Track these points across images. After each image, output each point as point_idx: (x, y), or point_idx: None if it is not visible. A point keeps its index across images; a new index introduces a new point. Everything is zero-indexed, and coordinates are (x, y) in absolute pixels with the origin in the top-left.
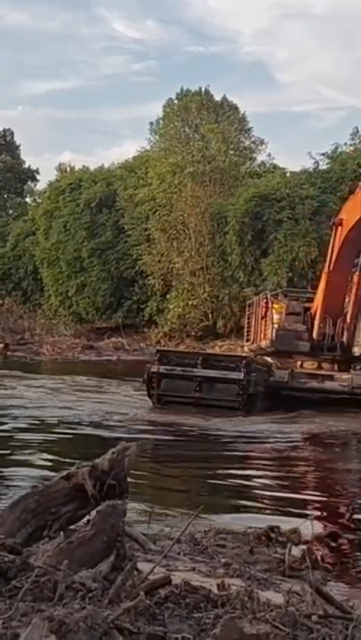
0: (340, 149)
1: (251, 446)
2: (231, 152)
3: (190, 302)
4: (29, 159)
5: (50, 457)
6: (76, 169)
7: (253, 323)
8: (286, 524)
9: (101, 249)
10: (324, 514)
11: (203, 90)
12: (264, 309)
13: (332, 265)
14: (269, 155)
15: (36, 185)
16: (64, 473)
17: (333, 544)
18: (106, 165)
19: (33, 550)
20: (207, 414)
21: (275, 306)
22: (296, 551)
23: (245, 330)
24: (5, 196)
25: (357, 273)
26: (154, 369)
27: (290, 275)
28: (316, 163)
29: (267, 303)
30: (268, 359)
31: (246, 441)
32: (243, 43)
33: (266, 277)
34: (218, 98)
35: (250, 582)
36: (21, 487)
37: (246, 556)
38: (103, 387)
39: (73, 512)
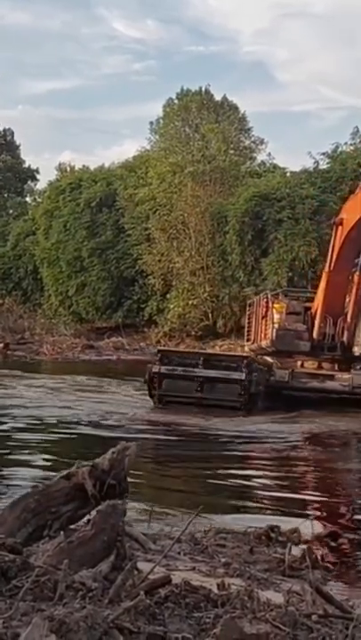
0: (340, 149)
1: (251, 446)
2: (231, 152)
3: (190, 302)
4: (29, 159)
5: (50, 457)
6: (77, 168)
7: (254, 322)
8: (286, 523)
9: (101, 248)
10: (324, 514)
11: (203, 89)
12: (264, 309)
13: (332, 264)
14: (269, 154)
15: (36, 184)
16: (64, 472)
17: (333, 544)
18: (106, 165)
19: (33, 550)
20: (207, 414)
21: (275, 305)
22: (296, 551)
23: (246, 329)
24: (5, 195)
25: (358, 273)
26: (155, 369)
27: (290, 274)
28: (317, 162)
29: (267, 303)
30: (269, 359)
31: (247, 441)
32: (243, 42)
33: (266, 277)
34: (218, 97)
35: (250, 582)
36: (21, 487)
37: (246, 556)
38: (103, 386)
39: (73, 512)
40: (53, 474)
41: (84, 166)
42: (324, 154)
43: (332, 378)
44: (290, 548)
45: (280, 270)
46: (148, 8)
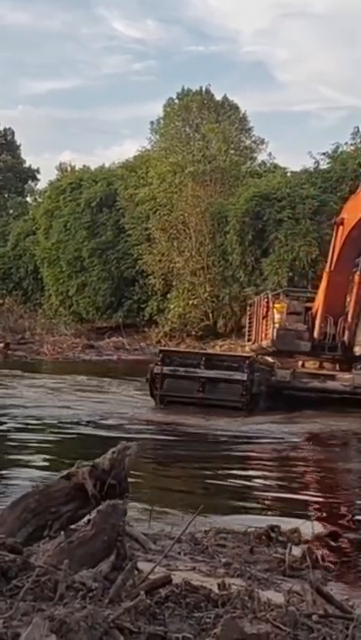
0: (340, 149)
1: (251, 446)
2: (232, 151)
3: (191, 302)
4: (30, 158)
5: (50, 457)
6: (77, 168)
7: (254, 322)
8: (287, 523)
9: (102, 248)
10: (325, 514)
11: (203, 89)
12: (265, 309)
13: (333, 264)
14: (270, 154)
15: (36, 184)
16: (64, 472)
17: (334, 544)
18: (106, 165)
19: (33, 550)
20: (208, 414)
21: (276, 305)
22: (296, 551)
23: (246, 329)
24: (6, 195)
25: (358, 273)
26: (157, 370)
27: (290, 274)
28: (317, 162)
29: (268, 303)
30: (269, 359)
31: (247, 441)
32: (243, 42)
33: (266, 277)
34: (218, 97)
35: (250, 582)
36: (21, 487)
37: (247, 556)
38: (104, 386)
39: (73, 511)
40: (53, 474)
41: (84, 166)
42: (324, 154)
43: (333, 378)
44: (290, 547)
45: (280, 270)
46: (148, 8)
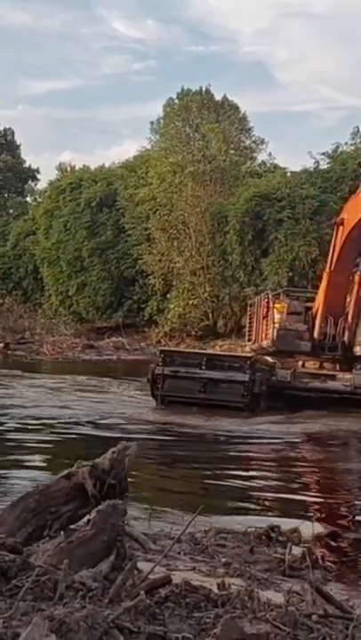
0: (340, 149)
1: (251, 446)
2: (232, 151)
3: (191, 302)
4: (30, 158)
5: (49, 457)
6: (77, 168)
7: (255, 322)
8: (287, 524)
9: (102, 248)
10: (325, 514)
11: (203, 89)
12: (265, 309)
13: (333, 265)
14: (270, 154)
15: (36, 184)
16: (64, 472)
17: (333, 544)
18: (106, 165)
19: (33, 550)
20: (208, 414)
21: (276, 305)
22: (296, 551)
23: (247, 329)
24: (6, 195)
25: (359, 273)
26: (158, 371)
27: (290, 274)
28: (317, 162)
29: (268, 303)
30: (269, 359)
31: (247, 441)
32: (243, 42)
33: (266, 277)
34: (218, 97)
35: (250, 582)
36: (21, 487)
37: (247, 556)
38: (104, 386)
39: (73, 511)
40: (53, 474)
41: (84, 166)
42: (324, 154)
43: (333, 378)
44: (290, 547)
45: (280, 270)
46: (148, 8)
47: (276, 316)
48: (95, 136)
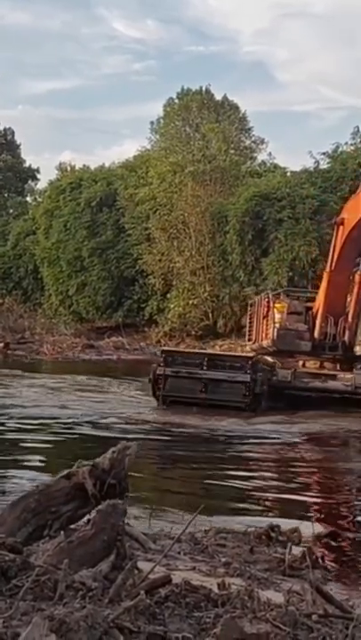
0: (340, 149)
1: (251, 446)
2: (232, 151)
3: (191, 301)
4: (30, 158)
5: (49, 457)
6: (77, 168)
7: (255, 322)
8: (287, 524)
9: (102, 248)
10: (325, 514)
11: (203, 89)
12: (266, 309)
13: (333, 264)
14: (270, 154)
15: (36, 184)
16: (64, 472)
17: (333, 544)
18: (106, 165)
19: (33, 549)
20: (208, 414)
21: (276, 305)
22: (296, 551)
23: (247, 329)
24: (6, 195)
25: (359, 272)
26: (159, 371)
27: (290, 274)
28: (317, 162)
29: (268, 302)
30: (270, 358)
31: (247, 441)
32: (243, 42)
33: (266, 277)
34: (218, 97)
35: (250, 581)
36: (21, 487)
37: (247, 556)
38: (104, 386)
39: (73, 511)
40: (53, 474)
41: (84, 166)
42: (324, 154)
43: (334, 378)
44: (290, 547)
45: (280, 270)
46: (148, 8)
47: (277, 316)
48: (95, 136)
